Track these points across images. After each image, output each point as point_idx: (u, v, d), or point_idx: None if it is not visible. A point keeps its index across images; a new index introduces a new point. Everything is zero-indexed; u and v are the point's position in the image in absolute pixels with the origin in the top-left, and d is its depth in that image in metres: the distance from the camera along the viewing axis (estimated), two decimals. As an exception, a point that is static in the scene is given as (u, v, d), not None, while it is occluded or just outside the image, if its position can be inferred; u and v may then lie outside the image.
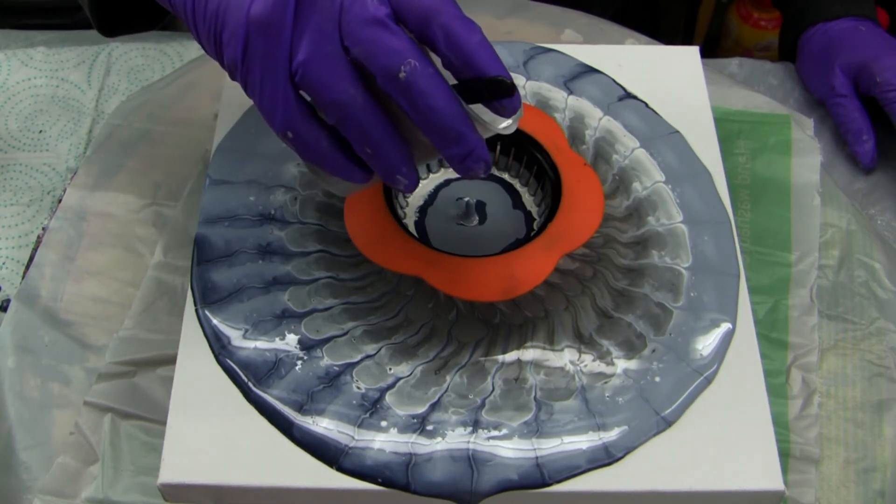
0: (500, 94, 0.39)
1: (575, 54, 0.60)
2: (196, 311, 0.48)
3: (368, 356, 0.47)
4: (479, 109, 0.41)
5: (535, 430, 0.45)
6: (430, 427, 0.45)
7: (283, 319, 0.48)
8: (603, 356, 0.47)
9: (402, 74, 0.37)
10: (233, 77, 0.41)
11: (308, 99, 0.40)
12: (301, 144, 0.40)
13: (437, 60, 0.40)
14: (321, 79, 0.38)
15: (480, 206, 0.53)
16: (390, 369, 0.47)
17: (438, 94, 0.38)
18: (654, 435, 0.44)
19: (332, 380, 0.46)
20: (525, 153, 0.52)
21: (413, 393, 0.46)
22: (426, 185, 0.54)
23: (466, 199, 0.53)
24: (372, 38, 0.37)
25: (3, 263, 0.62)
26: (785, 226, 0.59)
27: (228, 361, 0.46)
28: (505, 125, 0.41)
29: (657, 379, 0.46)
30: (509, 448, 0.44)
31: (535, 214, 0.53)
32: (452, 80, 0.39)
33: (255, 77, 0.39)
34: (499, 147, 0.53)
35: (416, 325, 0.48)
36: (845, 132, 0.68)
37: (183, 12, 0.42)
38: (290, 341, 0.47)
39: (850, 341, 0.55)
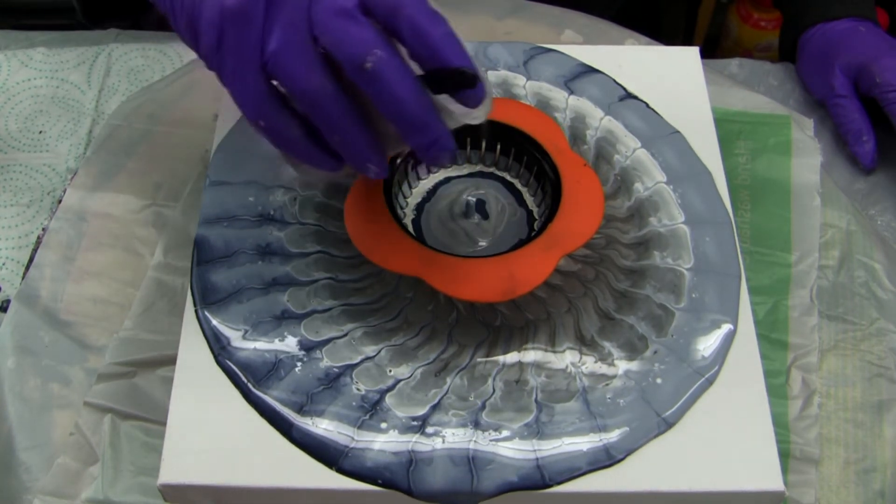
0: (463, 84, 0.39)
1: (575, 54, 0.60)
2: (196, 311, 0.48)
3: (368, 358, 0.47)
4: (446, 100, 0.41)
5: (536, 431, 0.44)
6: (430, 429, 0.45)
7: (283, 320, 0.48)
8: (604, 358, 0.47)
9: (367, 64, 0.38)
10: (209, 67, 0.41)
11: (281, 89, 0.40)
12: (273, 133, 0.41)
13: (405, 51, 0.40)
14: (290, 68, 0.39)
15: (481, 205, 0.53)
16: (390, 371, 0.47)
17: (403, 83, 0.38)
18: (655, 436, 0.44)
19: (332, 381, 0.46)
20: (525, 153, 0.52)
21: (413, 395, 0.46)
22: (425, 184, 0.54)
23: (467, 197, 0.53)
24: (339, 28, 0.38)
25: (3, 264, 0.62)
26: (785, 226, 0.59)
27: (228, 362, 0.46)
28: (471, 116, 0.41)
29: (658, 380, 0.46)
30: (510, 449, 0.44)
31: (536, 215, 0.53)
32: (420, 71, 0.40)
33: (229, 66, 0.40)
34: (499, 147, 0.53)
35: (416, 327, 0.48)
36: (845, 132, 0.68)
37: (162, 4, 0.43)
38: (290, 342, 0.47)
39: (850, 342, 0.55)
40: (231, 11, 0.39)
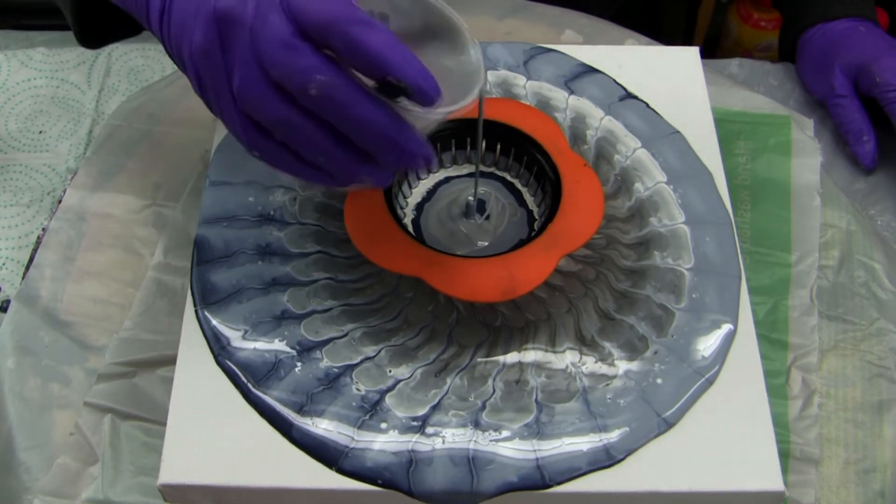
0: (406, 94, 0.38)
1: (575, 54, 0.60)
2: (196, 311, 0.48)
3: (368, 358, 0.47)
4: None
5: (536, 431, 0.44)
6: (430, 429, 0.45)
7: (283, 321, 0.48)
8: (604, 358, 0.47)
9: (312, 91, 0.37)
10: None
11: None
12: (270, 161, 0.41)
13: None
14: (254, 104, 0.39)
15: (481, 205, 0.53)
16: (390, 371, 0.47)
17: (354, 102, 0.38)
18: (655, 436, 0.44)
19: (332, 381, 0.46)
20: (525, 154, 0.52)
21: (413, 395, 0.46)
22: (425, 184, 0.54)
23: (468, 196, 0.53)
24: (280, 59, 0.37)
25: (3, 264, 0.62)
26: (785, 226, 0.59)
27: (228, 362, 0.46)
28: (441, 111, 0.39)
29: (659, 380, 0.46)
30: (510, 450, 0.44)
31: (536, 215, 0.53)
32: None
33: (213, 104, 0.41)
34: (499, 147, 0.53)
35: (416, 328, 0.48)
36: (845, 132, 0.68)
37: (161, 39, 0.44)
38: (290, 343, 0.47)
39: (850, 342, 0.55)
40: (198, 52, 0.39)
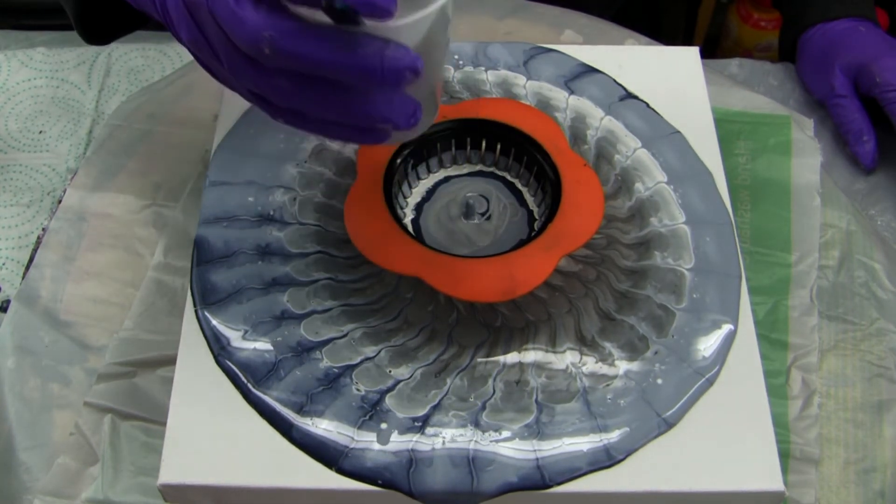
0: (356, 15, 0.35)
1: (575, 54, 0.60)
2: (196, 312, 0.48)
3: (368, 358, 0.47)
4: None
5: (536, 432, 0.44)
6: (430, 429, 0.45)
7: (283, 321, 0.48)
8: (605, 358, 0.47)
9: (267, 51, 0.35)
10: None
11: None
12: (297, 127, 0.40)
13: None
14: (246, 80, 0.38)
15: (481, 205, 0.53)
16: (390, 371, 0.47)
17: (305, 45, 0.35)
18: (656, 436, 0.44)
19: (332, 381, 0.46)
20: (525, 154, 0.52)
21: (413, 395, 0.46)
22: (425, 183, 0.54)
23: (469, 196, 0.53)
24: (232, 30, 0.36)
25: (3, 264, 0.62)
26: (785, 226, 0.59)
27: (228, 362, 0.46)
28: (420, 15, 0.36)
29: (659, 381, 0.46)
30: (510, 450, 0.44)
31: (536, 215, 0.53)
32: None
33: (229, 88, 0.41)
34: (499, 147, 0.53)
35: (416, 328, 0.48)
36: (845, 132, 0.68)
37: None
38: (290, 343, 0.47)
39: (850, 342, 0.55)
40: (191, 46, 0.40)
